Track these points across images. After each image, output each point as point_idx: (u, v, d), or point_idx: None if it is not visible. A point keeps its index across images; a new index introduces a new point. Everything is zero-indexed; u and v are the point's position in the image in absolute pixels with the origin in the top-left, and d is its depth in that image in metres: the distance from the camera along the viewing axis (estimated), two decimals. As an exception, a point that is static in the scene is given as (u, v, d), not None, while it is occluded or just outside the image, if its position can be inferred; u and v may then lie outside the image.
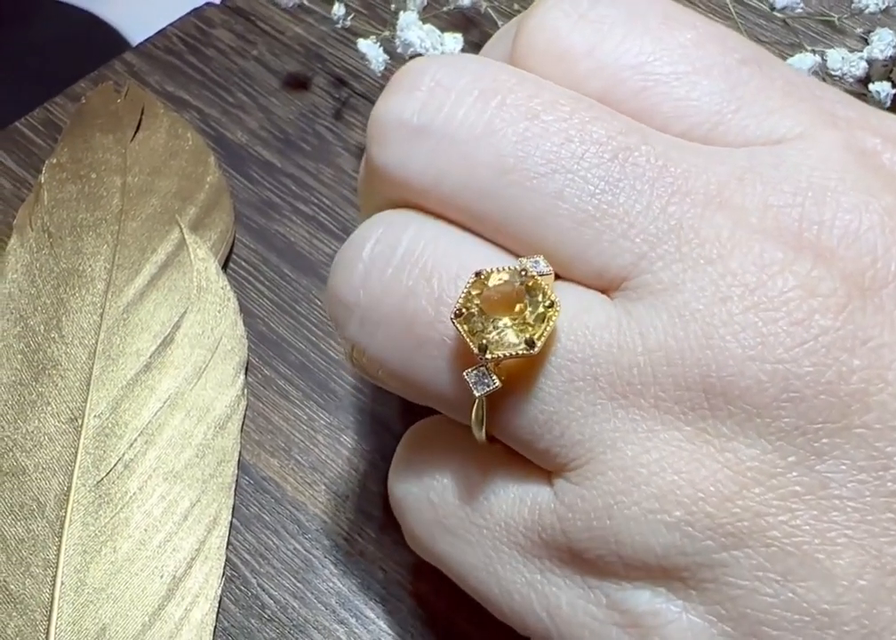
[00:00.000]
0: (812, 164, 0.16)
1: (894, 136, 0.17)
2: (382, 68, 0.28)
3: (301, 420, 0.25)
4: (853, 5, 0.29)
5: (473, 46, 0.33)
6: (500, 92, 0.17)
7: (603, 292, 0.16)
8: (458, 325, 0.16)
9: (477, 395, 0.16)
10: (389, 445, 0.25)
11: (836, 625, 0.14)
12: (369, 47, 0.27)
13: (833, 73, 0.29)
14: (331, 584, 0.23)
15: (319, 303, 0.27)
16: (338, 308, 0.18)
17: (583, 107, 0.17)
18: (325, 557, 0.23)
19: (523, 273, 0.16)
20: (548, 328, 0.16)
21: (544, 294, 0.16)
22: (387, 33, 0.29)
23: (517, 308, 0.16)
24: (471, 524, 0.17)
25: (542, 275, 0.16)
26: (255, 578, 0.23)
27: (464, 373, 0.16)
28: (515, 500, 0.17)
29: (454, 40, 0.26)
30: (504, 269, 0.16)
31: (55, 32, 0.37)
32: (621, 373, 0.15)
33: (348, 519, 0.24)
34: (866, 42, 0.30)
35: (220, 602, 0.22)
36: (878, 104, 0.29)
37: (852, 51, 0.30)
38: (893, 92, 0.29)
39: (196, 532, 0.23)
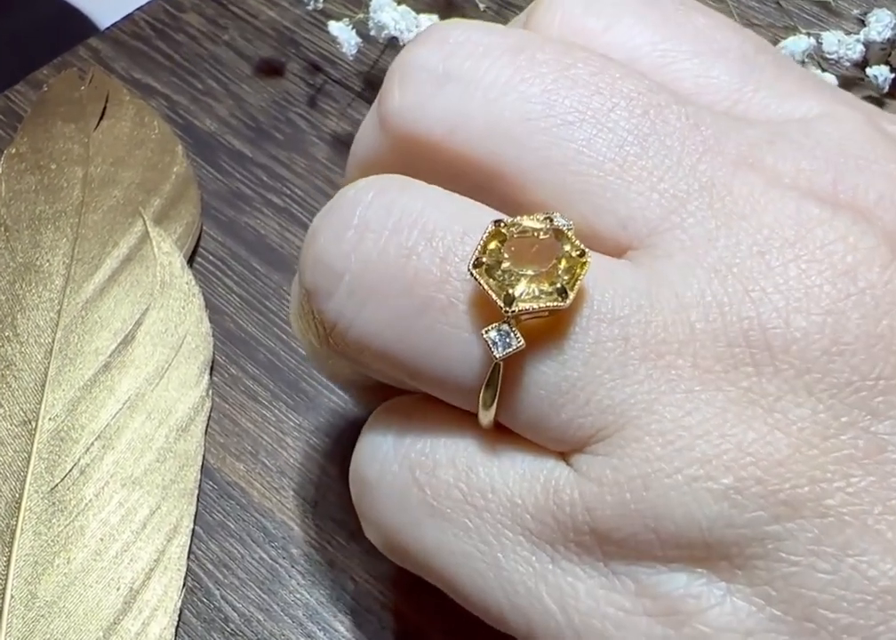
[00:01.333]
0: (840, 135, 0.16)
1: None
2: (354, 51, 0.27)
3: (269, 422, 0.24)
4: (850, -16, 0.28)
5: (454, 30, 0.31)
6: (528, 48, 0.16)
7: (624, 250, 0.15)
8: (478, 277, 0.15)
9: (499, 355, 0.14)
10: (361, 448, 0.24)
11: None
12: (341, 30, 0.26)
13: (829, 56, 0.28)
14: (298, 595, 0.22)
15: (290, 299, 0.26)
16: (321, 277, 0.16)
17: (613, 66, 0.16)
18: (293, 567, 0.22)
19: (548, 222, 0.15)
20: (581, 277, 0.14)
21: (572, 244, 0.15)
22: (360, 15, 0.27)
23: (544, 258, 0.15)
24: (468, 505, 0.15)
25: (565, 227, 0.15)
26: (218, 589, 0.22)
27: (483, 332, 0.15)
28: (525, 475, 0.15)
29: (430, 21, 0.25)
30: (528, 218, 0.15)
31: (21, 18, 0.36)
32: (655, 332, 0.14)
33: (317, 526, 0.22)
34: (863, 24, 0.29)
35: (180, 615, 0.21)
36: (876, 89, 0.28)
37: (848, 33, 0.29)
38: (892, 76, 0.28)
39: (155, 540, 0.22)
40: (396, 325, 0.15)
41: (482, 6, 0.31)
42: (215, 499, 0.23)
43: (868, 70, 0.28)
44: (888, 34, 0.27)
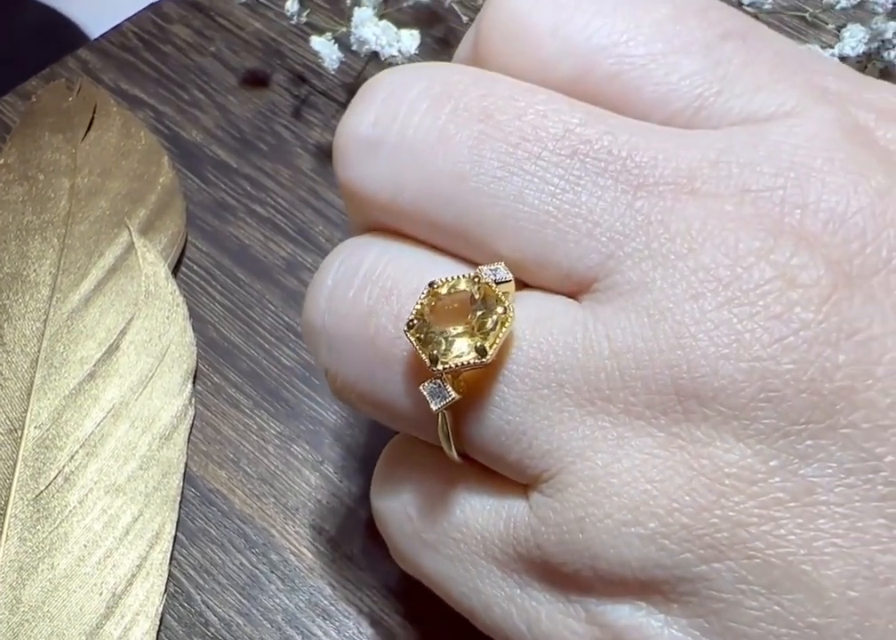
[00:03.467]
0: (797, 143, 0.15)
1: (889, 110, 0.16)
2: (336, 65, 0.27)
3: (251, 430, 0.24)
4: (824, 1, 0.28)
5: (437, 41, 0.32)
6: (453, 96, 0.16)
7: (574, 295, 0.16)
8: (410, 337, 0.15)
9: (434, 408, 0.15)
10: (341, 456, 0.24)
11: (826, 638, 0.13)
12: (322, 45, 0.26)
13: (804, 70, 0.28)
14: (277, 601, 0.22)
15: (273, 308, 0.26)
16: (309, 333, 0.18)
17: (539, 100, 0.16)
18: (272, 573, 0.22)
19: (475, 280, 0.15)
20: (501, 335, 0.15)
21: (497, 301, 0.15)
22: (343, 29, 0.28)
23: (469, 316, 0.15)
24: (448, 538, 0.17)
25: (501, 282, 0.15)
26: (199, 594, 0.22)
27: (420, 387, 0.15)
28: (490, 513, 0.16)
29: (411, 36, 0.26)
30: (456, 278, 0.16)
31: (12, 27, 0.36)
32: (588, 379, 0.15)
33: (297, 533, 0.23)
34: (839, 37, 0.29)
35: (161, 619, 0.22)
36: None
37: (824, 47, 0.29)
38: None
39: (137, 546, 0.22)
40: (367, 375, 0.17)
41: (465, 19, 0.31)
42: (197, 505, 0.23)
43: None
44: (861, 49, 0.28)
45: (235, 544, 0.23)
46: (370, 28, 0.26)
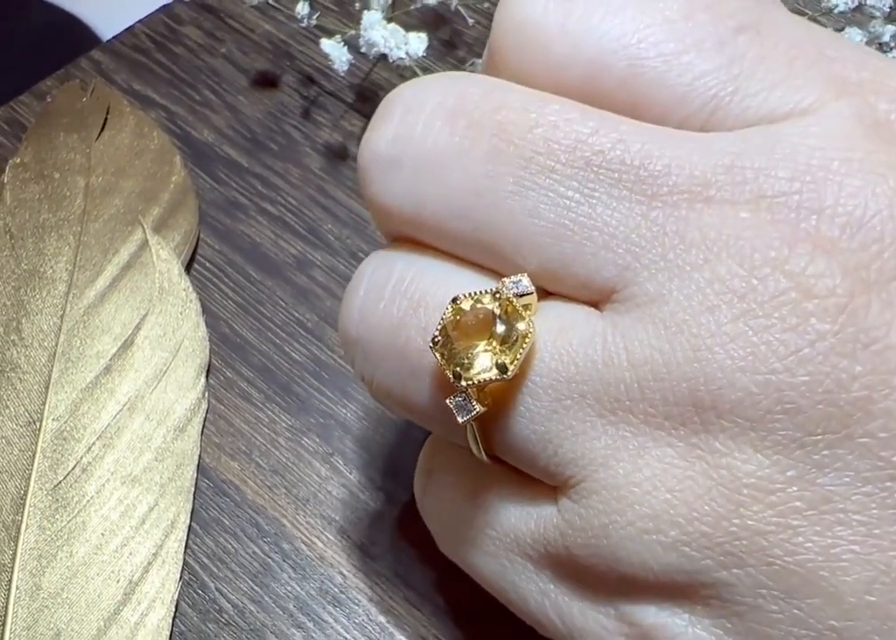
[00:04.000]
0: (814, 144, 0.15)
1: None
2: (346, 67, 0.28)
3: (263, 423, 0.25)
4: (823, 4, 0.29)
5: (444, 44, 0.32)
6: (467, 110, 0.16)
7: (594, 304, 0.16)
8: (435, 353, 0.16)
9: (461, 421, 0.16)
10: (350, 448, 0.25)
11: None
12: (332, 47, 0.27)
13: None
14: (289, 588, 0.23)
15: (284, 305, 0.27)
16: (345, 343, 0.18)
17: (551, 110, 0.16)
18: (284, 561, 0.23)
19: (497, 296, 0.16)
20: (522, 351, 0.15)
21: (519, 317, 0.16)
22: (352, 31, 0.29)
23: (491, 331, 0.16)
24: (485, 535, 0.17)
25: (523, 294, 0.16)
26: (213, 582, 0.23)
27: (447, 401, 0.16)
28: (521, 513, 0.17)
29: (419, 39, 0.26)
30: (478, 294, 0.16)
31: (25, 29, 0.37)
32: (608, 390, 0.15)
33: (308, 523, 0.24)
34: (837, 40, 0.30)
35: (176, 606, 0.22)
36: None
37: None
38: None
39: (153, 535, 0.23)
40: (399, 384, 0.17)
41: (470, 21, 0.32)
42: (211, 496, 0.24)
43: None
44: (859, 52, 0.28)
45: (247, 533, 0.23)
46: (378, 31, 0.26)
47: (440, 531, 0.19)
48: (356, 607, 0.22)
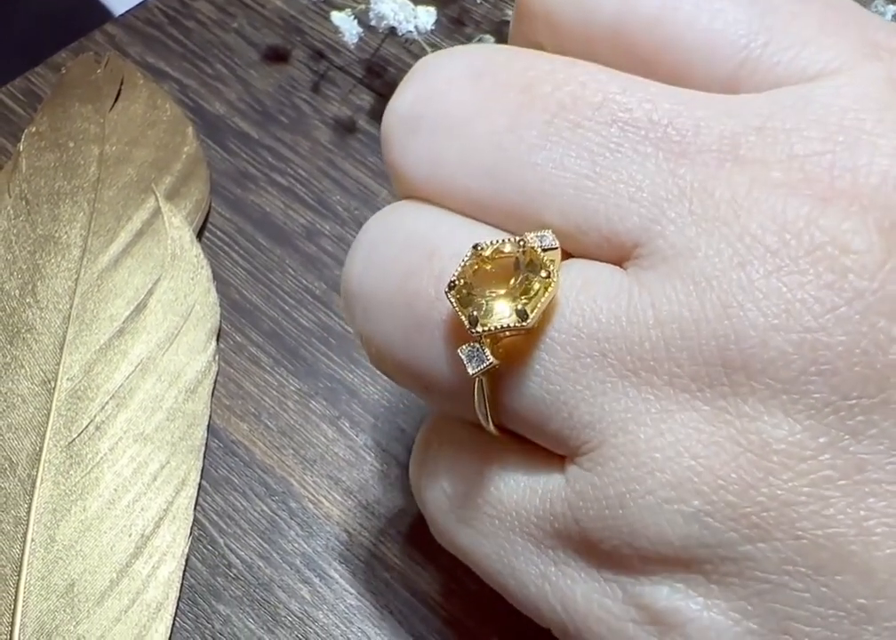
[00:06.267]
0: (846, 104, 0.14)
1: None
2: (356, 40, 0.28)
3: (271, 386, 0.26)
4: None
5: (452, 21, 0.33)
6: (493, 71, 0.16)
7: (618, 262, 0.15)
8: (450, 297, 0.15)
9: (471, 372, 0.15)
10: (357, 411, 0.25)
11: (876, 620, 0.13)
12: (342, 20, 0.28)
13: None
14: (296, 545, 0.23)
15: (292, 273, 0.28)
16: (345, 298, 0.18)
17: (578, 71, 0.16)
18: (291, 519, 0.24)
19: (521, 244, 0.15)
20: (544, 300, 0.15)
21: (542, 266, 0.15)
22: (362, 6, 0.29)
23: (511, 280, 0.15)
24: (483, 514, 0.17)
25: (547, 249, 0.15)
26: (222, 538, 0.23)
27: (458, 351, 0.15)
28: (525, 488, 0.16)
29: (428, 13, 0.27)
30: (501, 241, 0.15)
31: (39, 4, 0.37)
32: (632, 348, 0.14)
33: (314, 483, 0.24)
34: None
35: (187, 560, 0.23)
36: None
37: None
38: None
39: (164, 492, 0.23)
40: (403, 340, 0.16)
41: (478, -1, 0.32)
42: (220, 455, 0.25)
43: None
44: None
45: (256, 492, 0.24)
46: (388, 4, 0.27)
47: (435, 513, 0.18)
48: (361, 563, 0.23)
